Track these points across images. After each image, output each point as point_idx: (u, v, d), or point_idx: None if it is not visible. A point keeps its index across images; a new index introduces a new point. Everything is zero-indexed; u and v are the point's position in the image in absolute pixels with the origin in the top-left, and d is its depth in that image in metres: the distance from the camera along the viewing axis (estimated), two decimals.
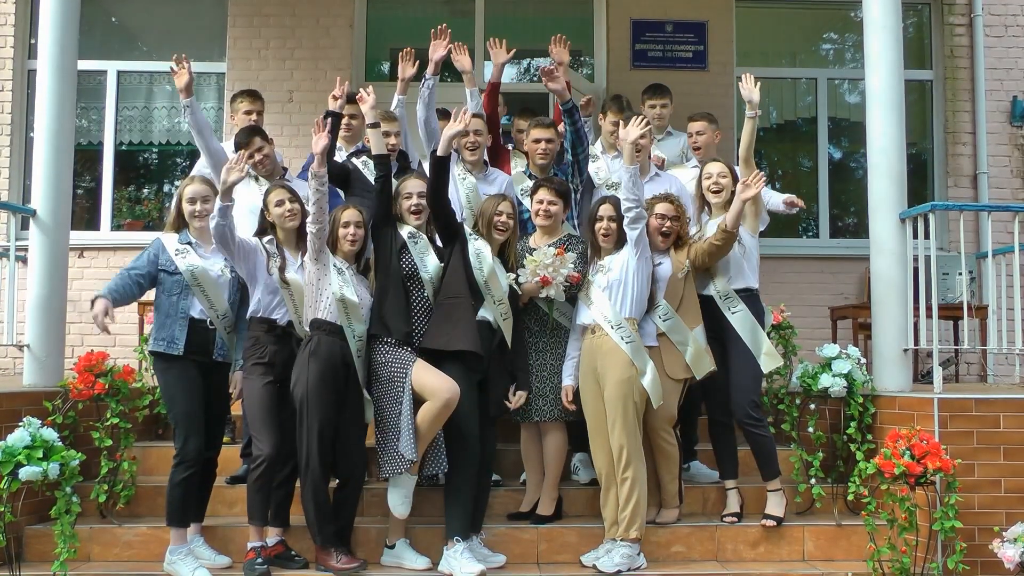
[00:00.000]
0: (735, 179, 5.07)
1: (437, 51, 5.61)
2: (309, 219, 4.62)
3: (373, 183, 5.07)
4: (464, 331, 4.68)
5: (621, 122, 4.95)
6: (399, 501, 4.61)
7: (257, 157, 5.25)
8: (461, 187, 5.38)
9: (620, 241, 4.88)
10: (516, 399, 4.88)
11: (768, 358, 5.00)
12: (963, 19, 8.24)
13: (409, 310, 4.74)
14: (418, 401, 4.60)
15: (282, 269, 4.68)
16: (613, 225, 4.88)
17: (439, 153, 4.79)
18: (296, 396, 4.57)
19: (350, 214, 4.74)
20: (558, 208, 5.03)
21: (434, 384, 4.56)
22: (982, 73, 8.11)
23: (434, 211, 4.82)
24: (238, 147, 5.28)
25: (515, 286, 4.86)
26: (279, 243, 4.77)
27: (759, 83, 5.01)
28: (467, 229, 4.93)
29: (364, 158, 5.34)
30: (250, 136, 5.28)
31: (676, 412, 4.97)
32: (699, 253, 4.94)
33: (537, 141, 5.45)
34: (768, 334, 5.20)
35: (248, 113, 5.76)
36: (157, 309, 4.73)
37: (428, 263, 4.80)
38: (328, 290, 4.64)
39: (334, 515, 4.65)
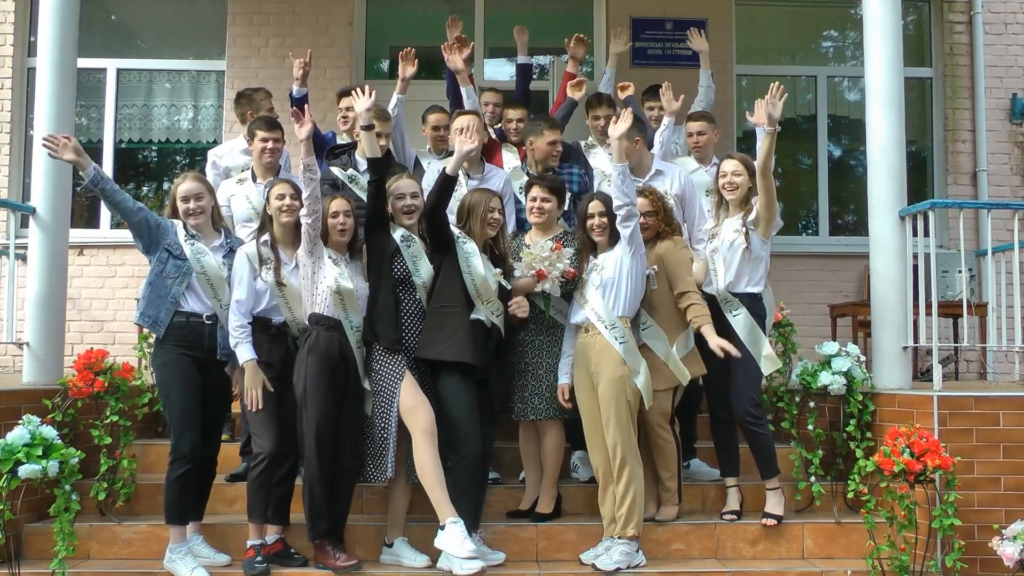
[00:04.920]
0: (751, 173, 5.04)
1: (454, 62, 5.66)
2: (303, 211, 4.61)
3: (361, 192, 5.12)
4: (460, 341, 4.66)
5: (612, 120, 4.92)
6: (460, 542, 4.44)
7: (270, 145, 5.26)
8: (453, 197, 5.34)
9: (613, 237, 4.87)
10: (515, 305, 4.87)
11: (768, 361, 4.98)
12: (963, 16, 8.24)
13: (399, 316, 4.72)
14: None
15: (276, 270, 4.67)
16: (604, 220, 4.86)
17: (449, 172, 4.78)
18: (297, 392, 4.59)
19: (338, 204, 4.75)
20: (551, 205, 5.02)
21: (411, 412, 4.56)
22: (982, 71, 8.11)
23: (430, 225, 4.81)
24: (253, 134, 5.32)
25: (502, 281, 4.85)
26: (274, 243, 4.77)
27: (785, 97, 4.87)
28: (455, 230, 4.88)
29: (351, 172, 5.31)
30: (271, 125, 5.32)
31: (670, 408, 4.97)
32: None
33: (552, 143, 5.46)
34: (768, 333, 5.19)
35: (271, 110, 5.68)
36: (150, 285, 4.68)
37: (421, 268, 4.78)
38: (323, 284, 4.64)
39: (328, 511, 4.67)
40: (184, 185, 4.77)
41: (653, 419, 4.89)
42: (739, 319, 4.97)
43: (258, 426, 4.61)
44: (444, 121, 5.83)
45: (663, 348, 4.90)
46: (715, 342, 4.77)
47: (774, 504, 5.02)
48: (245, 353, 4.58)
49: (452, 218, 5.16)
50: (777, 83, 4.84)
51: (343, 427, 4.63)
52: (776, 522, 4.97)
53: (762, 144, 4.85)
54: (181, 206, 4.74)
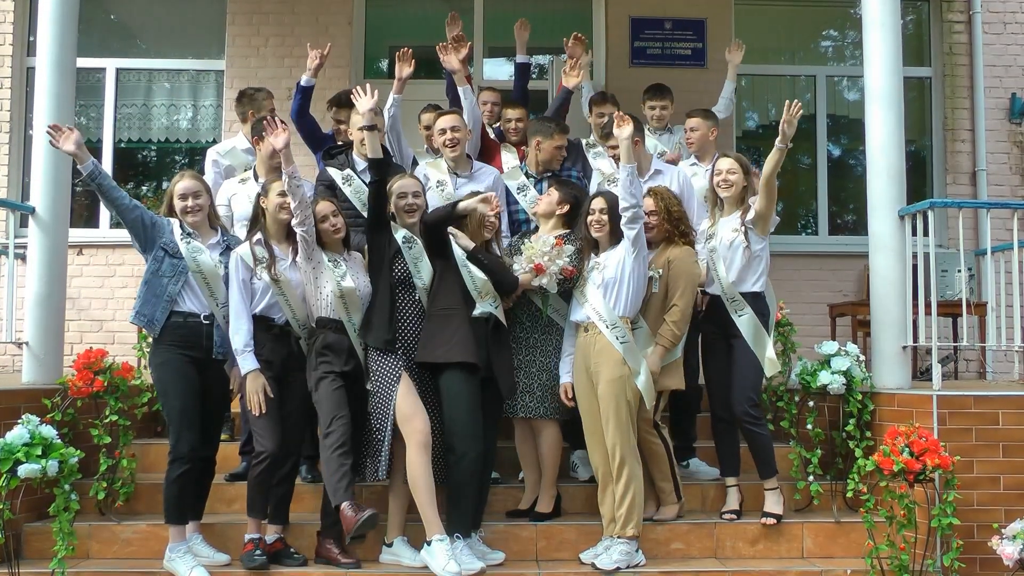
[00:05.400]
0: (746, 172, 5.05)
1: (449, 62, 5.64)
2: (294, 221, 4.62)
3: (353, 194, 5.16)
4: (460, 342, 4.65)
5: (616, 120, 4.90)
6: (444, 563, 4.44)
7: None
8: (439, 196, 5.34)
9: (614, 236, 4.86)
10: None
11: (770, 364, 4.99)
12: (962, 16, 8.24)
13: (393, 317, 4.71)
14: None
15: (271, 267, 4.66)
16: (604, 218, 4.85)
17: (458, 212, 4.80)
18: (312, 391, 4.64)
19: (324, 207, 4.76)
20: (551, 199, 5.06)
21: (408, 421, 4.55)
22: (981, 70, 8.11)
23: (431, 235, 4.81)
24: (256, 132, 5.31)
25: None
26: (267, 240, 4.75)
27: (800, 114, 4.88)
28: (450, 229, 4.85)
29: (347, 172, 5.30)
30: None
31: (652, 414, 4.94)
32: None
33: (560, 147, 5.46)
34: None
35: (272, 111, 5.70)
36: (146, 284, 4.67)
37: (422, 269, 4.77)
38: (327, 288, 4.66)
39: (325, 509, 4.69)
40: (182, 183, 4.76)
41: (639, 424, 4.89)
42: (744, 319, 4.98)
43: (260, 426, 4.61)
44: (435, 121, 5.83)
45: (637, 364, 4.84)
46: (650, 364, 4.78)
47: (773, 503, 5.02)
48: (248, 364, 4.58)
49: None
50: (796, 101, 4.84)
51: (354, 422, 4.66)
52: (776, 521, 4.97)
53: (771, 157, 4.86)
54: (179, 204, 4.73)
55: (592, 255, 4.93)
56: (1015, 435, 4.87)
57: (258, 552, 4.60)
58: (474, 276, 4.75)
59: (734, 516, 5.04)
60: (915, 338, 5.33)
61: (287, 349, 4.73)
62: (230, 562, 4.72)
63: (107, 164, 7.96)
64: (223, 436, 5.05)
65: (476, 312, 4.73)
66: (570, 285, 4.92)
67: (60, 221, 5.54)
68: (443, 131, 5.37)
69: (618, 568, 4.64)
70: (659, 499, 5.02)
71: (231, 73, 7.95)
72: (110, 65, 8.09)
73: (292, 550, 4.73)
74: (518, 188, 5.53)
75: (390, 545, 4.77)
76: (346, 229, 4.81)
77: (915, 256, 5.37)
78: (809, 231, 8.36)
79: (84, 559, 4.82)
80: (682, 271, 4.92)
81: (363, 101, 4.86)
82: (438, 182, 5.40)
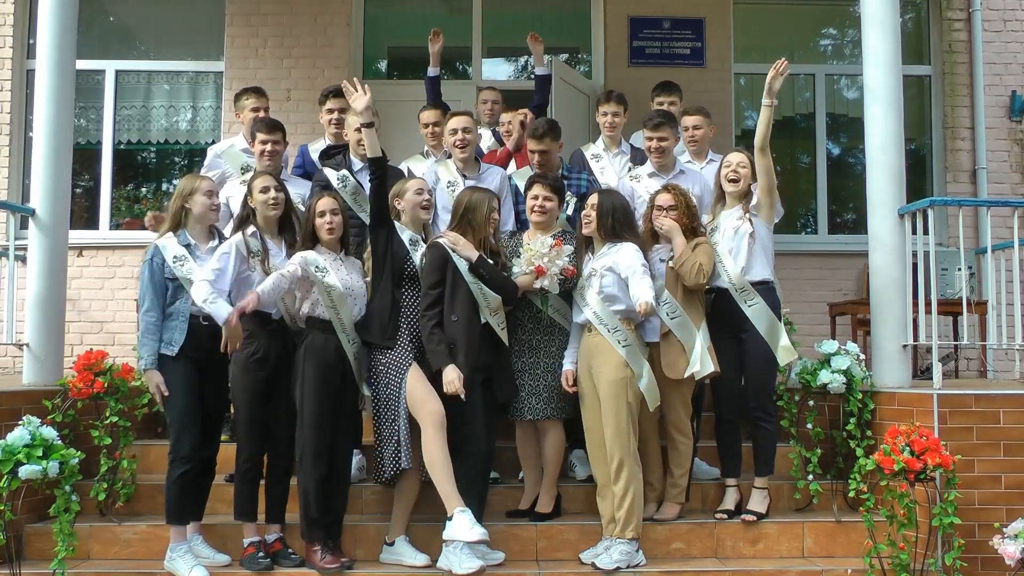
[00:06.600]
0: (753, 172, 5.06)
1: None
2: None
3: (348, 195, 5.17)
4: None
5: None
6: (468, 527, 4.42)
7: (269, 148, 5.25)
8: (449, 196, 5.32)
9: (607, 235, 4.83)
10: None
11: (785, 351, 4.99)
12: (961, 14, 8.23)
13: (396, 318, 4.71)
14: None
15: (264, 261, 4.65)
16: (593, 214, 4.85)
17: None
18: (295, 394, 4.60)
19: (325, 203, 4.74)
20: (553, 204, 5.00)
21: (422, 404, 4.54)
22: (980, 68, 8.10)
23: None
24: (255, 135, 5.29)
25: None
26: (260, 233, 4.74)
27: (787, 72, 4.98)
28: (450, 253, 4.79)
29: (343, 172, 5.29)
30: (271, 127, 5.31)
31: (690, 401, 4.96)
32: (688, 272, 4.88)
33: (533, 152, 5.40)
34: None
35: (255, 110, 5.72)
36: (163, 319, 4.63)
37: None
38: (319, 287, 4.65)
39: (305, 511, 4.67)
40: (207, 183, 4.78)
41: (672, 418, 4.91)
42: (756, 308, 4.97)
43: (244, 427, 4.66)
44: (434, 118, 5.81)
45: (692, 339, 4.85)
46: (678, 242, 4.87)
47: (758, 502, 5.04)
48: (223, 309, 4.43)
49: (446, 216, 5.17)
50: (782, 59, 4.97)
51: (339, 429, 4.65)
52: (756, 519, 4.97)
53: (760, 117, 4.94)
54: (205, 201, 4.71)
55: (588, 254, 4.93)
56: (1016, 434, 4.86)
57: (261, 555, 4.61)
58: (487, 294, 4.74)
59: (724, 516, 5.02)
60: (915, 337, 5.33)
61: (282, 345, 4.72)
62: (230, 563, 4.72)
63: (107, 166, 7.98)
64: (223, 436, 5.05)
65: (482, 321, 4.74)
66: (571, 285, 4.92)
67: (60, 223, 5.54)
68: (454, 131, 5.35)
69: (618, 568, 4.64)
70: (665, 494, 5.01)
71: (230, 74, 7.96)
72: (109, 67, 8.10)
73: (290, 550, 4.72)
74: (526, 187, 5.51)
75: (391, 544, 4.76)
76: (342, 230, 4.78)
77: (915, 255, 5.36)
78: (809, 230, 8.36)
79: (85, 560, 4.82)
80: (704, 251, 4.91)
81: (359, 99, 4.82)
82: (448, 182, 5.40)
